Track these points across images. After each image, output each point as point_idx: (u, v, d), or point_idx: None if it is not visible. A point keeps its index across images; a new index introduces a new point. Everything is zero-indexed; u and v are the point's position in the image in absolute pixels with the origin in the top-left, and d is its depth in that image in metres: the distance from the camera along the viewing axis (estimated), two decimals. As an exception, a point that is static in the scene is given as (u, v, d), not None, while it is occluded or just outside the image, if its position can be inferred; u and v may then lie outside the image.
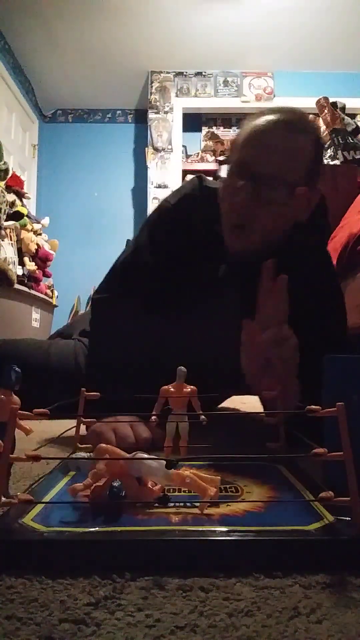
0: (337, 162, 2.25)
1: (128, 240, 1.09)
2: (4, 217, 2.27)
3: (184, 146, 4.13)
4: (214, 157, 4.00)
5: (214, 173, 3.70)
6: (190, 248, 0.95)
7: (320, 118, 2.48)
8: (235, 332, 0.75)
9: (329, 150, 2.29)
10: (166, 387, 0.62)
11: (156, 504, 0.43)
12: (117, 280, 0.99)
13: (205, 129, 4.27)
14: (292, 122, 0.84)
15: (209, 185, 0.98)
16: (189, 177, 4.51)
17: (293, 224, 0.87)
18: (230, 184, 0.84)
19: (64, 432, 0.65)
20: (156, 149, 4.03)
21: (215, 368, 0.89)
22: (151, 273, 0.94)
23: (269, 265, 0.74)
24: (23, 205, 2.57)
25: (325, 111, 2.45)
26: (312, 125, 0.88)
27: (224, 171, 0.84)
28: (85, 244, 4.23)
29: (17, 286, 2.32)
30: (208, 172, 3.79)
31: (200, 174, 1.02)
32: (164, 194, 3.94)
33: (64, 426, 0.66)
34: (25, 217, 2.47)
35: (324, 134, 2.36)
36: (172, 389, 0.62)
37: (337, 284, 0.97)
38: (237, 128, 4.27)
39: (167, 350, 0.77)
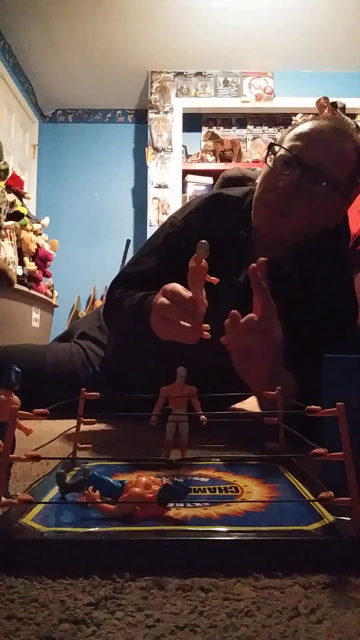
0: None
1: (128, 240, 1.09)
2: (4, 217, 2.27)
3: (184, 146, 4.13)
4: (214, 157, 3.99)
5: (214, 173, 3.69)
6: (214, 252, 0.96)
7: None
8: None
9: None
10: (166, 387, 0.62)
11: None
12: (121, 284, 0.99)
13: (205, 129, 4.26)
14: (346, 129, 0.87)
15: (230, 194, 1.01)
16: (189, 177, 4.44)
17: (320, 230, 0.90)
18: (275, 171, 0.86)
19: (64, 432, 0.65)
20: (156, 149, 4.03)
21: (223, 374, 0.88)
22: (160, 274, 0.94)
23: (260, 262, 0.74)
24: (23, 205, 2.57)
25: (325, 111, 2.44)
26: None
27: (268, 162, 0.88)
28: (85, 244, 4.23)
29: (17, 286, 2.31)
30: (208, 172, 3.79)
31: (220, 192, 1.05)
32: (163, 194, 3.94)
33: (65, 426, 0.66)
34: (25, 217, 2.47)
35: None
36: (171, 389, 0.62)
37: (353, 292, 0.98)
38: (237, 128, 4.28)
39: (174, 351, 0.76)
